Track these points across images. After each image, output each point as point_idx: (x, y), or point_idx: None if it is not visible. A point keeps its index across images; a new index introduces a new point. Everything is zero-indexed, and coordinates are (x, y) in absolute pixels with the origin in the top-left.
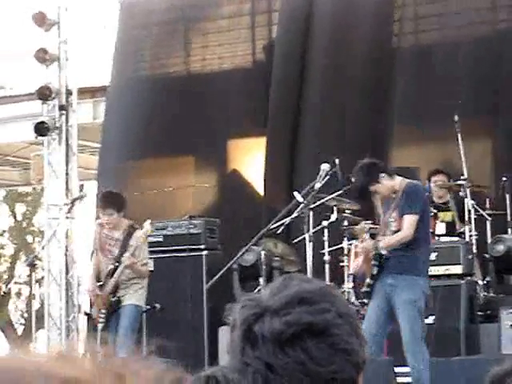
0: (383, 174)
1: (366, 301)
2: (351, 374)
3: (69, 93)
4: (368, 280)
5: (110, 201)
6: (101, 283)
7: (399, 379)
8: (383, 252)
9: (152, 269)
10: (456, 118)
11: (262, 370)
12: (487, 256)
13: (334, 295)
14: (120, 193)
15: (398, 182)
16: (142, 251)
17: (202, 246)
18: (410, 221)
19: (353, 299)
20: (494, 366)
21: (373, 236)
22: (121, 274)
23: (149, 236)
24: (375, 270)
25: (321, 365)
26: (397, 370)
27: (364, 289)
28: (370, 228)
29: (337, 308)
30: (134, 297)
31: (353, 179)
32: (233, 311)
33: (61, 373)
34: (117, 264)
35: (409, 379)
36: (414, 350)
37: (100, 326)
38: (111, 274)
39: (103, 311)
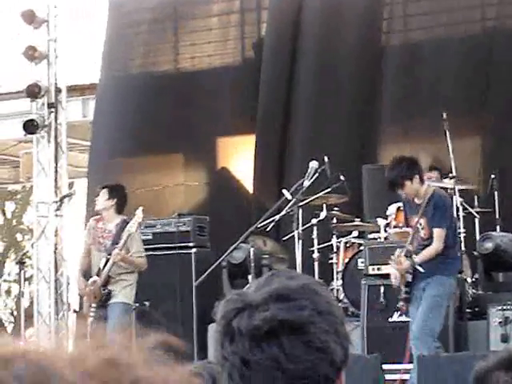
0: (417, 176)
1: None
2: (326, 371)
3: (58, 90)
4: (403, 288)
5: (111, 187)
6: (94, 279)
7: (388, 376)
8: (420, 269)
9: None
10: (444, 115)
11: (237, 365)
12: (476, 253)
13: (316, 292)
14: (124, 189)
15: (424, 188)
16: (136, 241)
17: (191, 244)
18: (439, 234)
19: (341, 296)
20: (479, 362)
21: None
22: (110, 269)
23: (141, 224)
24: (409, 278)
25: (295, 362)
26: (385, 367)
27: (402, 295)
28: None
29: (315, 305)
30: (122, 294)
31: (389, 168)
32: (219, 305)
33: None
34: (109, 256)
35: (397, 376)
36: (421, 339)
37: (91, 320)
38: (104, 266)
39: (94, 305)
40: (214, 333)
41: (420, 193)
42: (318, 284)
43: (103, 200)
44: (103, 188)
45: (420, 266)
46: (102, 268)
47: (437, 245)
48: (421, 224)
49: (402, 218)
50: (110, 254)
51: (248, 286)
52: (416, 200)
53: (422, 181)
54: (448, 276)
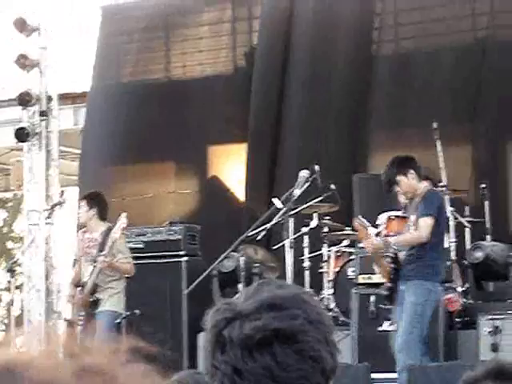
0: (412, 172)
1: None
2: (318, 380)
3: (49, 99)
4: (387, 284)
5: (88, 197)
6: (81, 287)
7: None
8: (394, 247)
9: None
10: (435, 125)
11: (229, 374)
12: (466, 263)
13: (307, 301)
14: (101, 195)
15: (422, 187)
16: (121, 247)
17: (182, 252)
18: (423, 223)
19: (332, 305)
20: (467, 372)
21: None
22: (97, 276)
23: (125, 229)
24: (392, 273)
25: (287, 370)
26: (375, 376)
27: (384, 292)
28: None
29: (307, 315)
30: (109, 302)
31: (385, 169)
32: (208, 315)
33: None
34: (95, 264)
35: None
36: (407, 352)
37: (79, 328)
38: (90, 274)
39: (82, 313)
40: (204, 342)
41: (418, 191)
42: (307, 294)
43: (84, 212)
44: (82, 199)
45: (396, 248)
46: (89, 276)
47: (419, 233)
48: (411, 221)
49: (392, 227)
50: (95, 262)
51: (237, 295)
52: (416, 200)
53: (419, 177)
54: (428, 281)
